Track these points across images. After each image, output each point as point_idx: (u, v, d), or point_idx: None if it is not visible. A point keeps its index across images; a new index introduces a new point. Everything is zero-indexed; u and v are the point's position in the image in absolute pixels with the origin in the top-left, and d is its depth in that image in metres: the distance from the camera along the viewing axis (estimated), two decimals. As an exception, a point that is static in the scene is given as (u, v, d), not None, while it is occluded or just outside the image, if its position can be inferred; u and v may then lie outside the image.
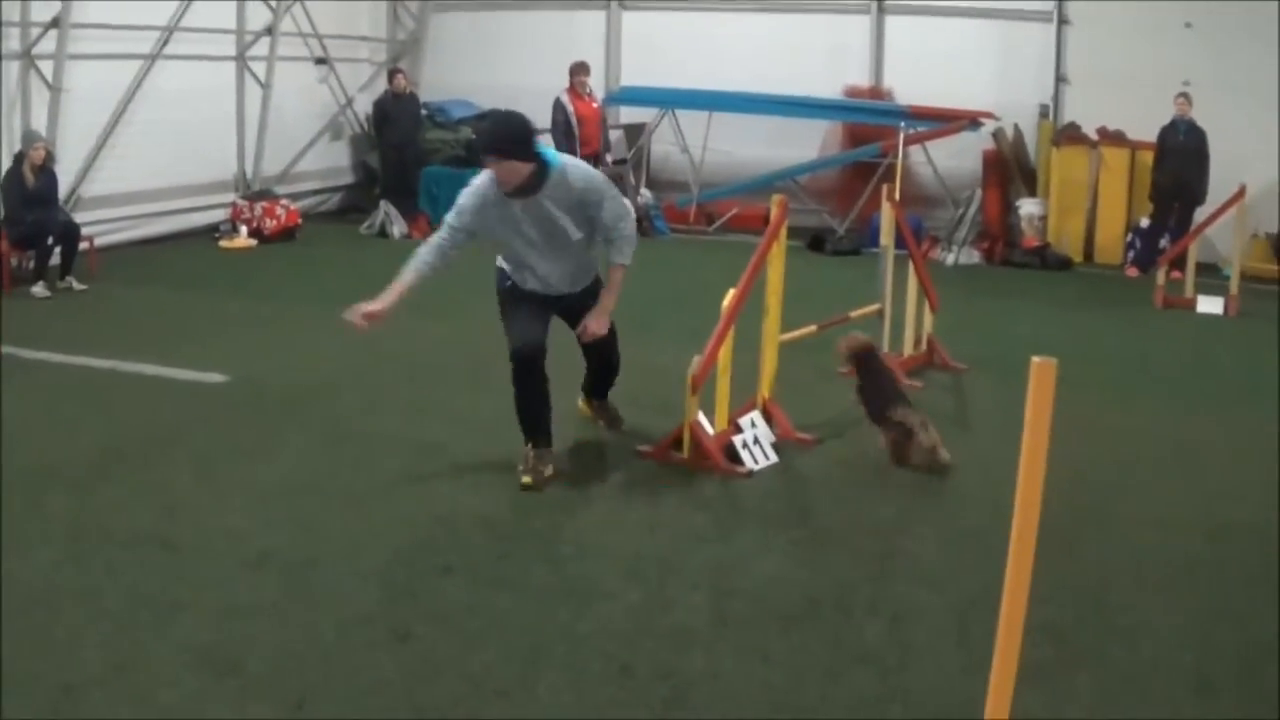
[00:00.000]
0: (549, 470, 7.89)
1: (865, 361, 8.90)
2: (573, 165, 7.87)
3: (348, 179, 22.24)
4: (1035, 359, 3.35)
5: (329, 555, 6.63)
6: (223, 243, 17.98)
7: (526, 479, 7.75)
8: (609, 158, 19.73)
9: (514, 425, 8.01)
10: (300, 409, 9.51)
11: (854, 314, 10.06)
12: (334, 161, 21.93)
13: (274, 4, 19.66)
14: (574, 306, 8.14)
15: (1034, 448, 3.42)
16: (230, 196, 19.04)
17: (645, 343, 11.34)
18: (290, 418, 9.27)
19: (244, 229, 18.37)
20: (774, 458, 8.29)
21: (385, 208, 19.57)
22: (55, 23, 15.71)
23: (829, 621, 5.95)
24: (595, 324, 7.99)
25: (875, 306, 10.36)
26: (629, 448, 8.48)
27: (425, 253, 7.85)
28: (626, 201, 8.04)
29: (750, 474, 8.05)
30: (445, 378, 9.21)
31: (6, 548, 6.59)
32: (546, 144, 8.39)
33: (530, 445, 7.93)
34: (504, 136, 7.55)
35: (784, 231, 8.68)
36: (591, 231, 7.92)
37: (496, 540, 6.96)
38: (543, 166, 7.58)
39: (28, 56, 15.58)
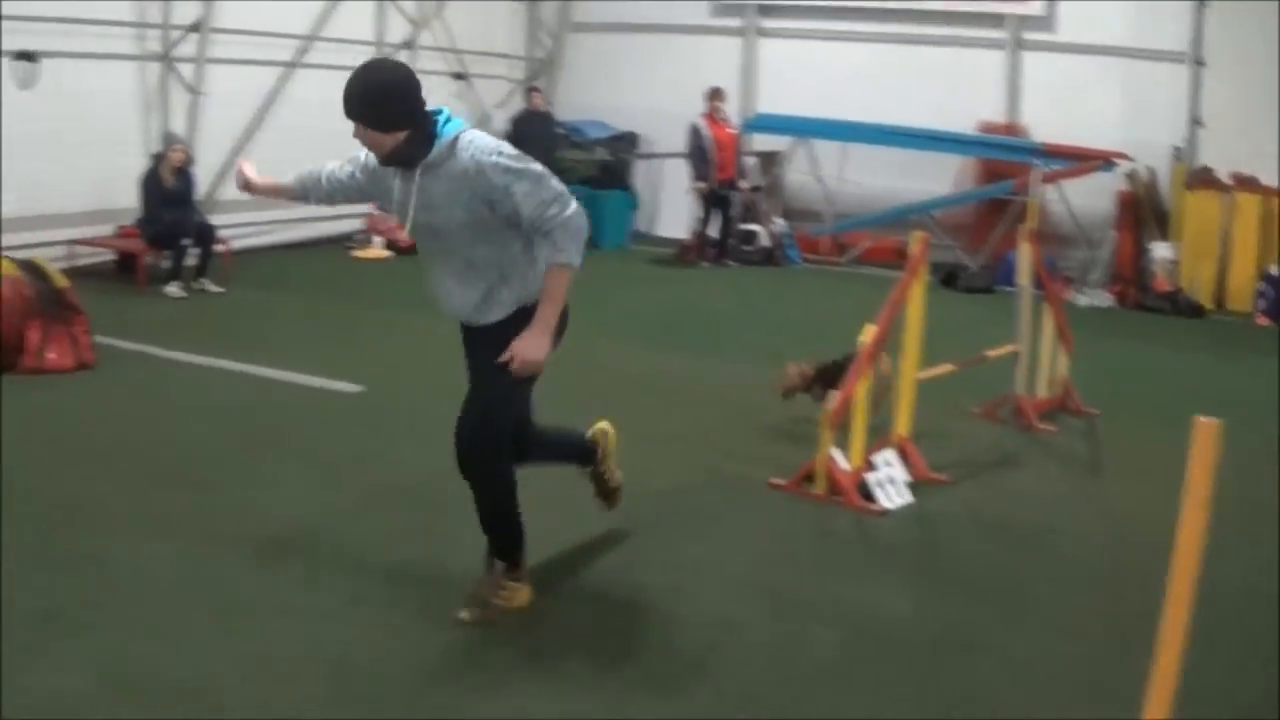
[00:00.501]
0: (511, 600, 6.24)
1: (826, 370, 9.38)
2: (467, 141, 5.77)
3: (482, 194, 22.23)
4: (1200, 419, 3.32)
5: (459, 568, 6.58)
6: (356, 252, 18.34)
7: (462, 613, 6.12)
8: (744, 184, 19.74)
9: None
10: (431, 420, 9.50)
11: (991, 354, 9.96)
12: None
13: (414, 18, 19.88)
14: (477, 344, 6.13)
15: (1195, 505, 3.40)
16: (364, 207, 19.14)
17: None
18: (421, 428, 9.29)
19: (378, 239, 18.66)
20: (909, 497, 8.17)
21: (519, 224, 19.50)
22: (196, 27, 16.12)
23: (957, 664, 5.88)
24: (523, 347, 5.81)
25: (1012, 347, 10.25)
26: (761, 479, 8.37)
27: (320, 169, 6.50)
28: (556, 182, 5.81)
29: (884, 513, 7.93)
30: (576, 391, 9.22)
31: (132, 542, 6.74)
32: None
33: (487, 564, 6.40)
34: (355, 94, 5.72)
35: (924, 269, 8.62)
36: (516, 237, 5.87)
37: (625, 564, 6.96)
38: (422, 137, 5.76)
39: (168, 59, 15.87)
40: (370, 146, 5.90)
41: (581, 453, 7.05)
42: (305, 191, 6.62)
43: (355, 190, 6.41)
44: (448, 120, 5.84)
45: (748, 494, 8.21)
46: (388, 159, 5.86)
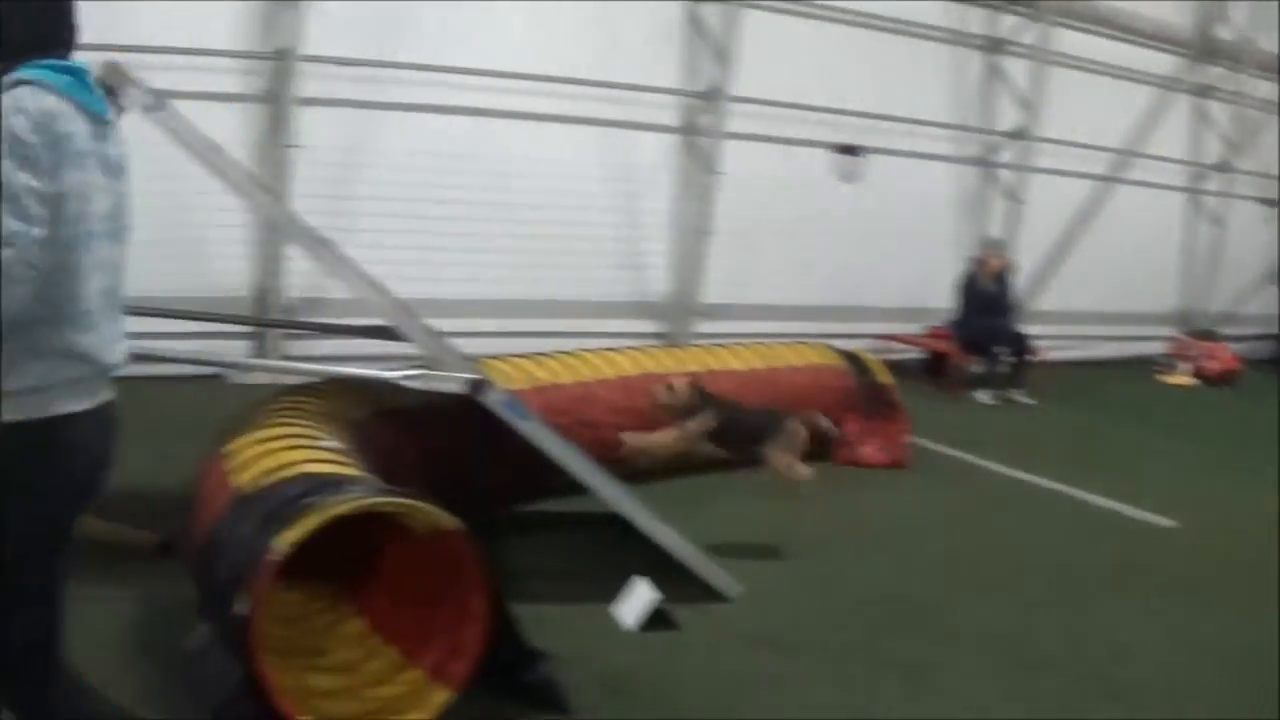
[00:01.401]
0: None
1: (705, 398, 7.99)
2: (22, 88, 3.47)
3: (1281, 328, 21.56)
4: None
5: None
6: (1162, 376, 17.90)
7: None
8: None
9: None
10: (1252, 566, 8.79)
11: None
12: (1270, 307, 21.18)
13: (1231, 139, 19.44)
14: None
15: None
16: (1169, 330, 19.02)
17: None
18: (1241, 574, 8.66)
19: (1184, 366, 18.09)
20: None
21: (1327, 366, 18.65)
22: (1018, 134, 16.36)
23: None
24: None
25: None
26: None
27: None
28: (10, 212, 3.34)
29: None
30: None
31: (956, 654, 6.67)
32: None
33: None
34: None
35: None
36: None
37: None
38: None
39: (988, 164, 16.17)
40: None
41: None
42: None
43: None
44: (63, 70, 3.59)
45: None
46: None
